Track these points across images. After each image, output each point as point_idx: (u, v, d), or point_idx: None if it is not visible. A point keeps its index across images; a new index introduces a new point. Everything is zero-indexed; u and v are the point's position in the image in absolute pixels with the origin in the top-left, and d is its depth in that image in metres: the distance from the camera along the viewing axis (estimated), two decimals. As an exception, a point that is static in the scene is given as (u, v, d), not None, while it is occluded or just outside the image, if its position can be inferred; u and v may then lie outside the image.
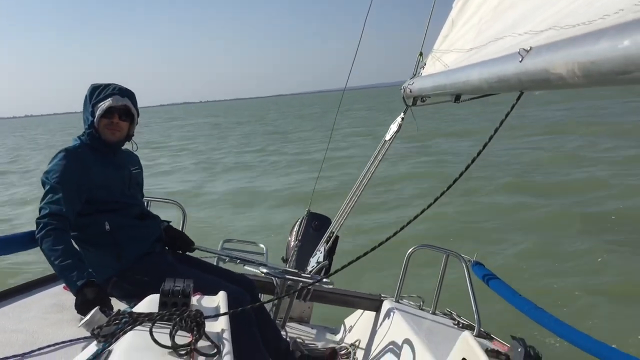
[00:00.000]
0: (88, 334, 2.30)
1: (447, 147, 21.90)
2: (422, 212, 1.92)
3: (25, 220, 12.05)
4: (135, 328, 1.54)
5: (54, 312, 2.73)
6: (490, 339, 2.83)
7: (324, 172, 5.03)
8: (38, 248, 2.51)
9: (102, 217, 2.64)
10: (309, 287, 3.02)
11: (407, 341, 2.74)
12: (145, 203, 3.12)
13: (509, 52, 1.50)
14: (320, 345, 3.52)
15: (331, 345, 3.50)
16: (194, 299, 1.82)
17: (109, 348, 1.49)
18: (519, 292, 2.80)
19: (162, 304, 1.63)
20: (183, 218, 3.58)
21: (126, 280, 2.61)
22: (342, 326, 3.89)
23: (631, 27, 0.87)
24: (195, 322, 1.50)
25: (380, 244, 2.00)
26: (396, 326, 3.04)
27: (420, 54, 3.09)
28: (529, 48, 1.30)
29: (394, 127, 3.25)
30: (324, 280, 2.84)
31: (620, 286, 6.62)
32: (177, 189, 16.71)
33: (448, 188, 1.83)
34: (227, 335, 1.60)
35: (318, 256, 3.41)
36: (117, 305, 2.37)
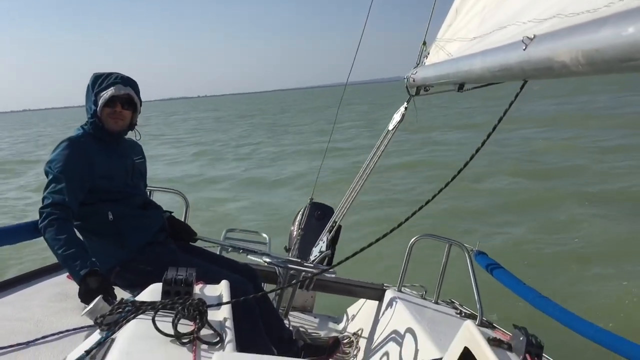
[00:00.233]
0: (92, 323, 2.32)
1: (445, 139, 22.08)
2: (427, 202, 1.92)
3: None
4: (138, 317, 1.55)
5: (57, 301, 2.74)
6: (493, 328, 2.84)
7: (326, 161, 5.06)
8: (42, 238, 2.53)
9: (105, 206, 2.64)
10: (313, 277, 3.03)
11: (409, 330, 2.74)
12: (148, 193, 3.13)
13: (513, 40, 1.49)
14: (322, 334, 3.53)
15: (334, 334, 3.51)
16: (197, 288, 1.83)
17: (112, 336, 1.50)
18: (523, 281, 2.81)
19: (165, 293, 1.64)
20: (186, 208, 3.59)
21: (129, 270, 2.61)
22: (345, 315, 3.90)
23: (635, 14, 0.86)
24: (198, 311, 1.51)
25: (385, 235, 2.00)
26: (399, 315, 3.05)
27: (424, 43, 3.06)
28: (532, 36, 1.29)
29: (397, 117, 3.23)
30: (324, 268, 2.85)
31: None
32: (184, 174, 17.11)
33: (453, 178, 1.83)
34: (229, 323, 1.61)
35: (321, 246, 3.41)
36: (120, 294, 2.38)
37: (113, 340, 1.48)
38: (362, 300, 3.73)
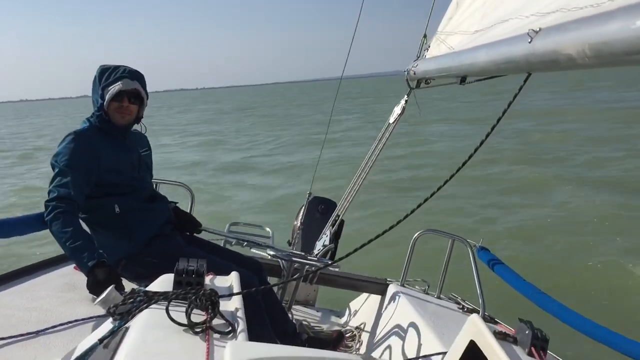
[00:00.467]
0: (101, 313, 2.34)
1: (443, 131, 22.35)
2: (431, 195, 1.94)
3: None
4: (151, 306, 1.57)
5: (65, 291, 2.76)
6: (495, 322, 2.86)
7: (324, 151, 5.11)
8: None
9: (112, 200, 2.66)
10: (318, 270, 3.05)
11: (412, 324, 2.76)
12: (154, 185, 3.14)
13: (515, 34, 1.51)
14: (325, 327, 3.54)
15: (336, 328, 3.52)
16: (207, 279, 1.85)
17: (126, 325, 1.52)
18: (524, 277, 2.84)
19: (177, 283, 1.66)
20: (191, 201, 3.60)
21: (135, 263, 2.63)
22: (347, 309, 3.91)
23: None
24: (210, 301, 1.53)
25: (390, 228, 2.02)
26: (401, 310, 3.06)
27: (425, 36, 3.08)
28: (537, 29, 1.31)
29: (397, 110, 3.25)
30: (330, 262, 2.87)
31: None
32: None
33: (458, 170, 1.85)
34: (241, 314, 1.63)
35: (324, 239, 3.42)
36: (127, 286, 2.40)
37: (127, 329, 1.50)
38: (364, 295, 3.75)
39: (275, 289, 3.26)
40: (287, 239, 3.96)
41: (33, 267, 3.12)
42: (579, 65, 1.15)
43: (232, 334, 1.50)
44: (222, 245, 3.14)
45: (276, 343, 2.61)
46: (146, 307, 1.56)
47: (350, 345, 3.31)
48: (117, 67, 2.69)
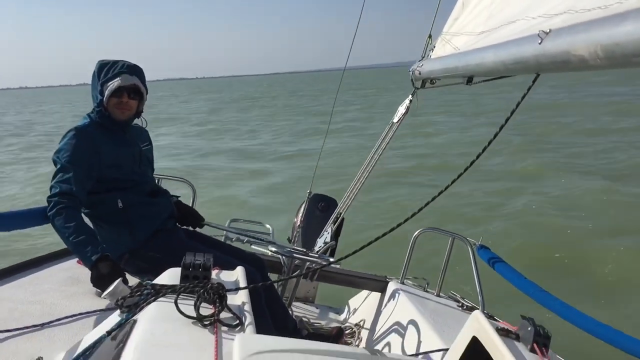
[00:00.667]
0: (104, 306, 2.35)
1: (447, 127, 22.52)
2: (435, 197, 1.95)
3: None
4: (159, 299, 1.58)
5: (69, 285, 2.77)
6: (495, 320, 2.88)
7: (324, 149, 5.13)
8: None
9: (114, 195, 2.66)
10: (321, 268, 3.06)
11: (411, 322, 2.78)
12: (156, 180, 3.15)
13: (522, 35, 1.52)
14: (324, 324, 3.55)
15: (335, 324, 3.53)
16: (213, 274, 1.86)
17: (133, 318, 1.53)
18: (524, 275, 2.85)
19: (184, 277, 1.68)
20: (193, 195, 3.61)
21: (138, 257, 2.64)
22: (347, 306, 3.93)
23: None
24: (218, 295, 1.54)
25: (393, 229, 2.03)
26: (401, 307, 3.08)
27: (430, 37, 3.08)
28: (548, 30, 1.32)
29: (401, 109, 3.26)
30: (332, 260, 2.88)
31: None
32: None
33: (465, 170, 1.85)
34: (247, 307, 1.65)
35: (325, 237, 3.43)
36: (130, 281, 2.41)
37: (135, 322, 1.51)
38: (364, 292, 3.76)
39: (275, 285, 3.27)
40: (286, 236, 3.97)
41: (36, 260, 3.13)
42: (590, 67, 1.15)
43: (239, 327, 1.51)
44: (222, 241, 3.15)
45: None
46: (154, 300, 1.57)
47: (349, 342, 3.32)
48: (115, 63, 2.68)
